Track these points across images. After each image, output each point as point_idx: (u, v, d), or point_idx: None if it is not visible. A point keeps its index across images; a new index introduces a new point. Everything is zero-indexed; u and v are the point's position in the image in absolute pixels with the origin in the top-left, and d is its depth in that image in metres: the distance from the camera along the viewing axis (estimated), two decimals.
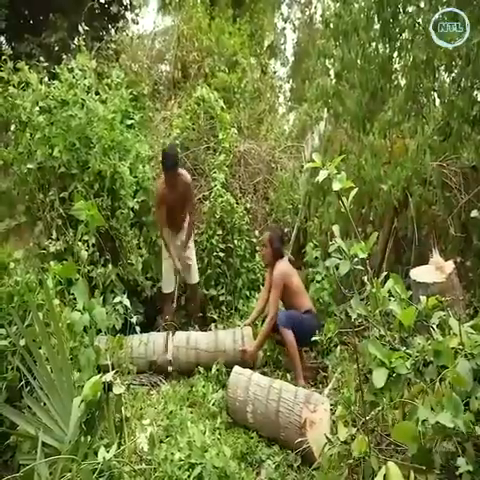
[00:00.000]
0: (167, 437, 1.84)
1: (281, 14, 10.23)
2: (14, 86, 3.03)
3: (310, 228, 3.62)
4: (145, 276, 3.22)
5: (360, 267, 1.49)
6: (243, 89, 4.98)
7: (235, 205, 3.53)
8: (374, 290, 1.53)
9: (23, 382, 1.88)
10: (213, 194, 3.51)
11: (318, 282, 3.06)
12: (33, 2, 7.62)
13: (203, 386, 2.35)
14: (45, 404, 1.67)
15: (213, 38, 5.64)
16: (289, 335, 2.48)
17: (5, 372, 1.94)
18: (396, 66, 3.73)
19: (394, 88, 3.60)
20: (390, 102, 3.39)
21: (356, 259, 1.50)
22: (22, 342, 1.89)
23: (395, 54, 3.60)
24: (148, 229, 3.39)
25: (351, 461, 1.29)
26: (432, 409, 1.10)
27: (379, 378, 1.30)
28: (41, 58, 3.60)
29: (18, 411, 1.72)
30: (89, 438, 1.46)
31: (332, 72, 4.05)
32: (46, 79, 3.37)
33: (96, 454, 1.40)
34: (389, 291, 1.62)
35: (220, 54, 5.55)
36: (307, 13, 9.85)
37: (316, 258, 3.22)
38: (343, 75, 3.76)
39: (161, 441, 1.78)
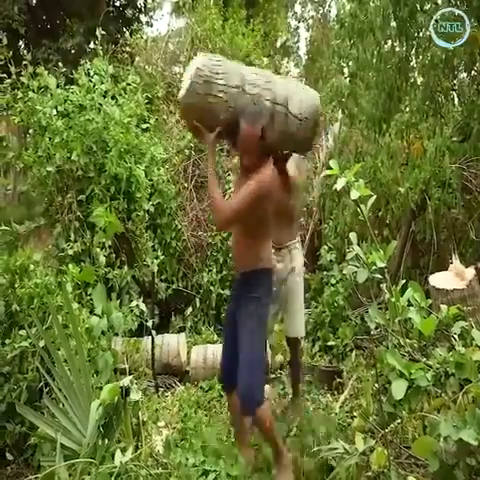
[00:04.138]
0: (182, 440, 1.86)
1: (295, 13, 10.16)
2: (34, 91, 3.11)
3: (325, 231, 3.59)
4: (160, 278, 3.25)
5: (378, 276, 1.46)
6: None
7: None
8: (393, 299, 1.50)
9: (42, 383, 1.94)
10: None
11: (332, 285, 3.03)
12: (50, 7, 7.81)
13: (222, 390, 2.35)
14: (64, 405, 1.71)
15: (226, 39, 5.64)
16: (262, 415, 1.58)
17: (25, 373, 1.99)
18: (413, 65, 3.65)
19: (411, 88, 3.52)
20: (407, 102, 3.32)
21: (374, 267, 1.47)
22: (41, 343, 1.94)
23: (412, 53, 3.53)
24: (163, 231, 3.43)
25: (370, 474, 1.27)
26: (454, 425, 1.08)
27: (398, 389, 1.27)
28: (60, 64, 3.67)
29: (38, 413, 1.77)
30: (107, 441, 1.48)
31: (347, 72, 4.00)
32: (63, 84, 3.44)
33: (113, 457, 1.42)
34: (408, 299, 1.58)
35: (234, 55, 5.54)
36: (321, 12, 9.74)
37: (331, 261, 3.19)
38: (358, 75, 3.71)
39: (176, 445, 1.80)
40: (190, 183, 3.78)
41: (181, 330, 3.24)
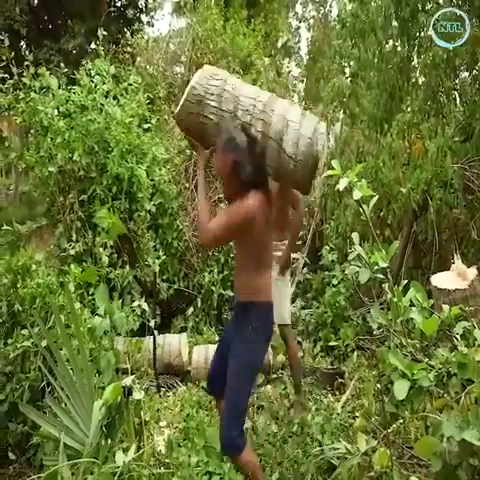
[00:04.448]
0: (184, 440, 1.86)
1: (295, 13, 10.18)
2: (36, 92, 3.12)
3: (326, 231, 3.59)
4: (161, 278, 3.26)
5: (381, 276, 1.46)
6: None
7: None
8: (395, 299, 1.50)
9: (44, 382, 1.94)
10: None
11: (334, 286, 3.03)
12: (52, 8, 7.83)
13: None
14: (66, 405, 1.71)
15: (227, 40, 5.64)
16: (246, 462, 1.49)
17: (28, 372, 2.00)
18: (415, 65, 3.65)
19: (413, 88, 3.52)
20: (409, 102, 3.32)
21: (376, 267, 1.47)
22: (44, 343, 1.95)
23: (414, 53, 3.52)
24: (164, 231, 3.43)
25: (372, 474, 1.27)
26: (457, 425, 1.08)
27: (401, 390, 1.27)
28: (61, 64, 3.68)
29: (40, 412, 1.77)
30: (109, 441, 1.49)
31: (348, 72, 3.99)
32: (64, 84, 3.44)
33: (116, 457, 1.42)
34: (410, 299, 1.58)
35: (235, 55, 5.55)
36: (322, 12, 9.75)
37: (332, 261, 3.19)
38: (360, 75, 3.70)
39: (179, 444, 1.80)
40: (191, 183, 3.79)
41: (182, 330, 3.24)
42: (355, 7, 3.74)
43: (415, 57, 3.56)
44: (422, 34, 3.43)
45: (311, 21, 9.86)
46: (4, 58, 3.17)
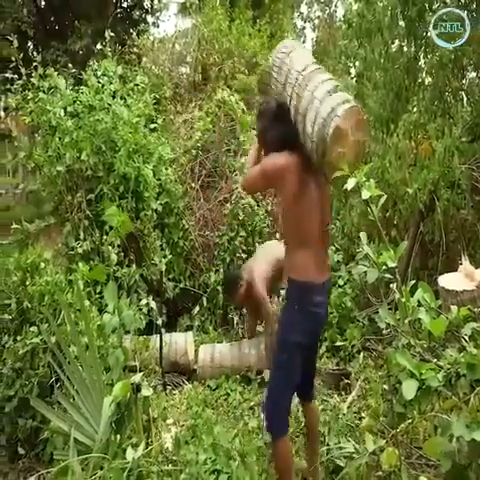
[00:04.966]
0: (192, 438, 1.87)
1: (300, 13, 10.17)
2: (44, 92, 3.15)
3: (331, 231, 3.58)
4: (167, 277, 3.27)
5: (389, 275, 1.46)
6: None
7: (256, 207, 3.53)
8: (403, 299, 1.50)
9: (53, 379, 1.97)
10: (234, 196, 3.53)
11: (340, 286, 3.02)
12: (59, 9, 7.89)
13: (229, 389, 2.37)
14: (74, 400, 1.73)
15: (233, 40, 5.66)
16: (281, 446, 1.56)
17: (37, 368, 2.02)
18: (422, 65, 3.64)
19: (420, 88, 3.51)
20: (415, 102, 3.30)
21: (384, 267, 1.47)
22: (53, 340, 1.97)
23: (421, 53, 3.51)
24: (170, 231, 3.45)
25: (380, 473, 1.27)
26: (467, 426, 1.07)
27: (409, 390, 1.27)
28: (69, 65, 3.71)
29: (50, 407, 1.79)
30: (119, 437, 1.50)
31: (353, 72, 3.98)
32: (72, 85, 3.47)
33: (125, 453, 1.44)
34: (418, 300, 1.58)
35: (240, 56, 5.57)
36: (327, 12, 9.74)
37: (338, 262, 3.18)
38: (365, 75, 3.70)
39: (186, 442, 1.81)
40: (197, 183, 3.80)
41: (188, 329, 3.25)
42: (361, 7, 3.74)
43: (422, 57, 3.54)
44: (429, 34, 3.42)
45: (316, 21, 9.85)
46: (13, 59, 3.21)
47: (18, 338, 2.09)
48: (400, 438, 1.40)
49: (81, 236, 2.94)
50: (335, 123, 1.42)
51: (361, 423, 1.99)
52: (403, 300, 1.51)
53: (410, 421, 1.43)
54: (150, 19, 8.43)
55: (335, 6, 9.41)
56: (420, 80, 3.59)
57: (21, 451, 1.98)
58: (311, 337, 1.59)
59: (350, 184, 1.47)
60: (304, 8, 10.14)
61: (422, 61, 3.62)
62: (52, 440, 1.75)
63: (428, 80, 3.58)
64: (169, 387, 2.53)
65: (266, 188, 1.74)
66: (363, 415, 2.09)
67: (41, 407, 1.76)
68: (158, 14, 8.70)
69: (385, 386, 1.72)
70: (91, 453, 1.48)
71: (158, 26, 8.49)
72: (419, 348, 1.53)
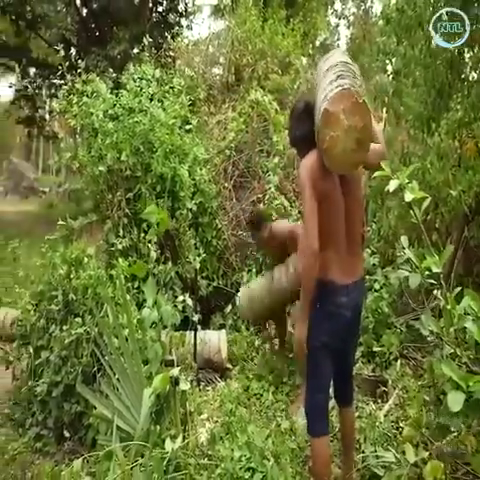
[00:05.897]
0: (226, 434, 1.90)
1: (334, 11, 9.96)
2: (87, 96, 3.33)
3: (367, 234, 3.48)
4: (201, 275, 3.33)
5: (433, 281, 1.41)
6: (297, 90, 4.93)
7: (289, 208, 3.51)
8: (448, 306, 1.43)
9: (96, 368, 2.07)
10: (267, 197, 3.53)
11: (376, 291, 2.92)
12: (99, 16, 8.28)
13: (261, 388, 2.37)
14: (117, 389, 1.81)
15: (266, 40, 5.65)
16: (318, 447, 1.55)
17: (81, 357, 2.15)
18: (467, 60, 3.45)
19: (464, 84, 3.32)
20: (459, 99, 3.13)
21: (427, 272, 1.42)
22: (95, 331, 2.08)
23: (465, 47, 3.33)
24: (204, 230, 3.51)
25: None
26: None
27: (455, 402, 1.21)
28: (110, 69, 3.88)
29: (95, 393, 1.89)
30: (158, 428, 1.56)
31: (390, 69, 3.84)
32: (110, 88, 3.63)
33: (164, 443, 1.49)
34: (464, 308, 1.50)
35: (273, 56, 5.55)
36: (362, 8, 9.46)
37: (374, 265, 3.08)
38: (403, 72, 3.56)
39: (221, 438, 1.84)
40: (230, 183, 3.84)
41: (221, 327, 3.29)
42: (401, 2, 3.61)
43: (466, 51, 3.36)
44: (474, 27, 3.23)
45: (351, 18, 9.61)
46: (60, 67, 3.42)
47: (64, 328, 2.22)
48: (445, 451, 1.34)
49: (120, 233, 3.07)
50: (323, 106, 1.41)
51: (399, 433, 1.92)
52: (448, 307, 1.45)
53: (456, 434, 1.36)
54: (184, 22, 8.63)
55: (371, 2, 9.13)
56: (464, 76, 3.40)
57: (66, 434, 2.11)
58: (337, 339, 1.56)
59: (392, 186, 1.43)
60: (338, 5, 9.93)
61: (467, 55, 3.43)
62: (95, 426, 1.84)
63: (473, 75, 3.39)
64: (202, 383, 2.57)
65: (319, 199, 1.49)
66: (401, 425, 2.02)
67: (86, 393, 1.86)
68: (192, 17, 8.89)
69: (426, 396, 1.65)
70: (132, 441, 1.55)
71: (192, 29, 8.68)
72: (465, 359, 1.45)
